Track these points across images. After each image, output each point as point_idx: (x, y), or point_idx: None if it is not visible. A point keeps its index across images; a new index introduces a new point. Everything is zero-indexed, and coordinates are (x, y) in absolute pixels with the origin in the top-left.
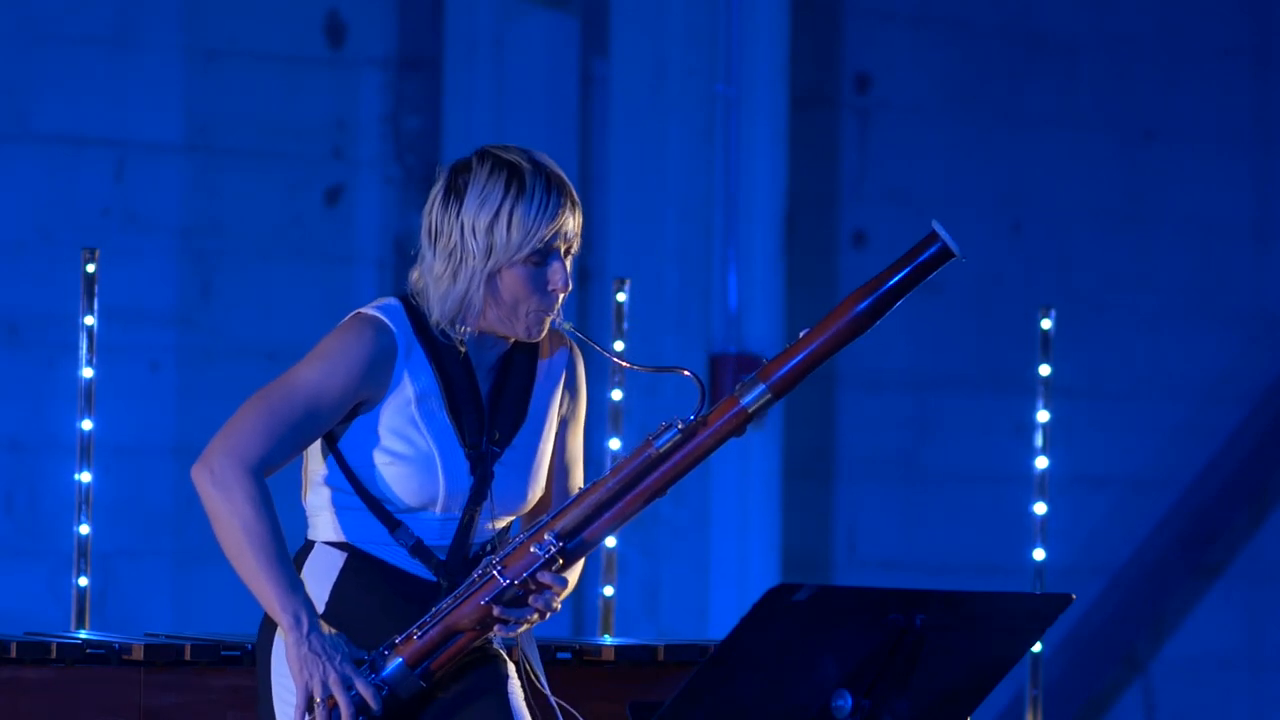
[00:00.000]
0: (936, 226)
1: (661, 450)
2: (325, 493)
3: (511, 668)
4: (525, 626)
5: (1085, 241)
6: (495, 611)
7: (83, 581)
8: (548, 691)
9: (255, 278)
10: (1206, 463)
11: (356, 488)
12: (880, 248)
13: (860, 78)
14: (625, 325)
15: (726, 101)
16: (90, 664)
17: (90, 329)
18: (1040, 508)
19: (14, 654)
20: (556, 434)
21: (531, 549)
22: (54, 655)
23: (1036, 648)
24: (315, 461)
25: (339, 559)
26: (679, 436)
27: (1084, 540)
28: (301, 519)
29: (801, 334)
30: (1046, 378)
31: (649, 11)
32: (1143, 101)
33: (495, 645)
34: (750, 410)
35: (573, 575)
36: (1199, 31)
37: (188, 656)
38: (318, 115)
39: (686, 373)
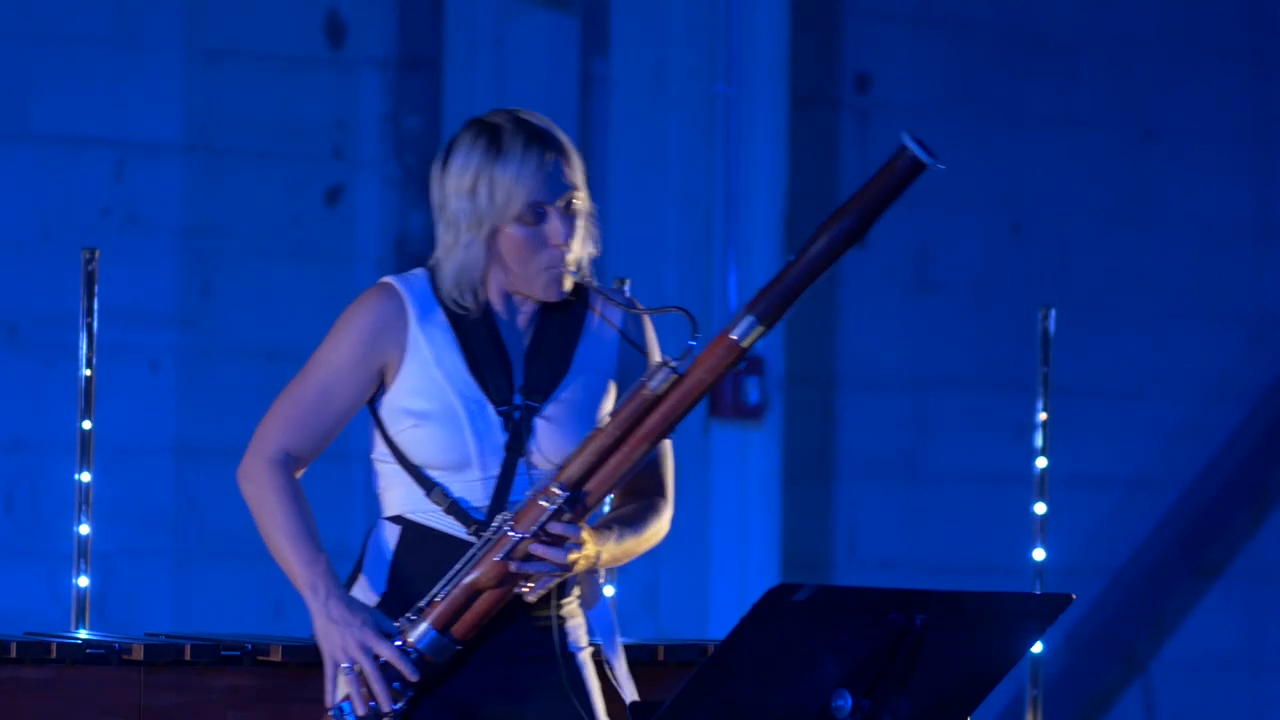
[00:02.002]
0: (905, 139)
1: (658, 391)
2: (379, 468)
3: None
4: (555, 580)
5: (1085, 241)
6: (512, 567)
7: (83, 581)
8: (621, 686)
9: (255, 278)
10: (1206, 463)
11: (397, 456)
12: (880, 248)
13: (860, 78)
14: None
15: (726, 101)
16: (90, 664)
17: (90, 329)
18: (1040, 508)
19: (14, 654)
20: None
21: (540, 502)
22: (54, 655)
23: (1036, 648)
24: (371, 440)
25: (395, 533)
26: (674, 376)
27: (1084, 540)
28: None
29: (786, 263)
30: (1046, 377)
31: (649, 11)
32: (1143, 101)
33: (570, 648)
34: (743, 344)
35: (603, 548)
36: (1199, 31)
37: (188, 656)
38: (318, 115)
39: (680, 310)
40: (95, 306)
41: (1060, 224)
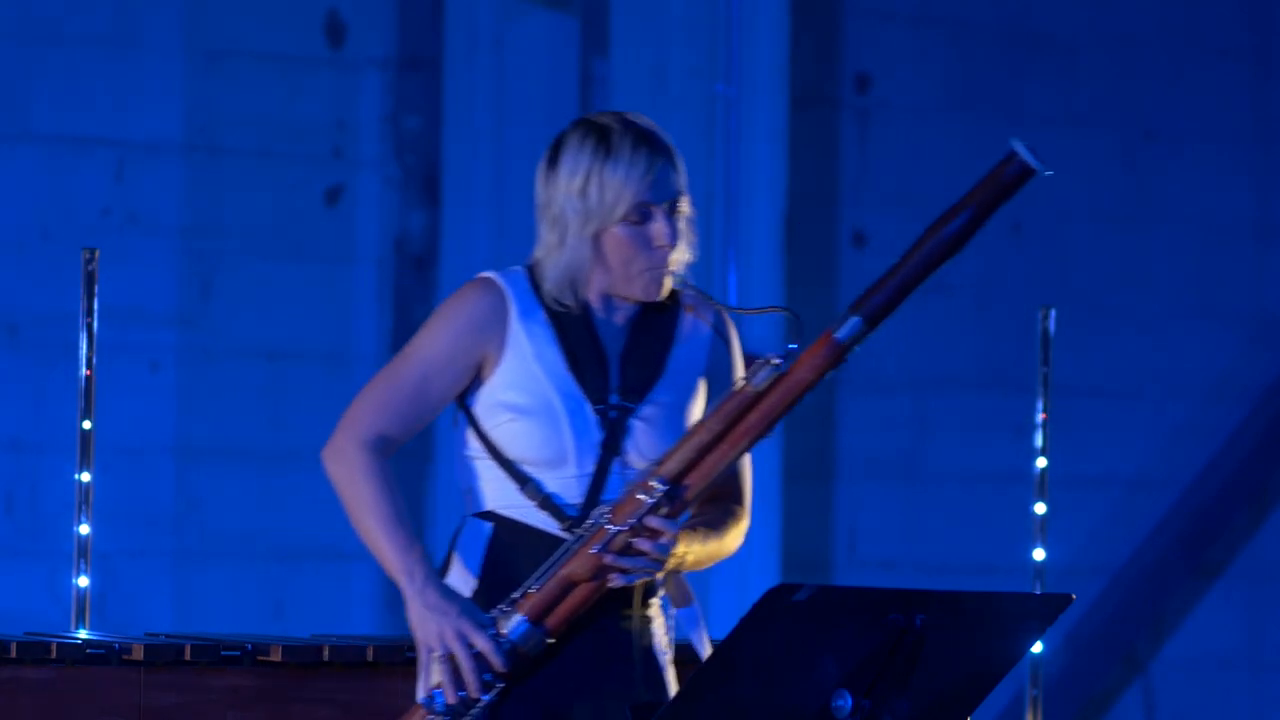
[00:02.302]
0: (1015, 144)
1: (760, 389)
2: (468, 464)
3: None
4: (650, 575)
5: (1085, 241)
6: (607, 560)
7: (83, 581)
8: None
9: (255, 278)
10: (1206, 463)
11: (490, 450)
12: (880, 248)
13: (860, 78)
14: None
15: (726, 101)
16: (90, 664)
17: (90, 329)
18: (1040, 508)
19: (14, 654)
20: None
21: (638, 495)
22: (54, 655)
23: (1036, 648)
24: (459, 435)
25: (487, 529)
26: (776, 374)
27: (1084, 540)
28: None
29: (892, 264)
30: (1046, 377)
31: (649, 11)
32: (1143, 101)
33: (654, 650)
34: (845, 343)
35: (690, 549)
36: (1199, 31)
37: (188, 656)
38: (318, 115)
39: (784, 310)
40: (95, 306)
41: (1060, 224)
